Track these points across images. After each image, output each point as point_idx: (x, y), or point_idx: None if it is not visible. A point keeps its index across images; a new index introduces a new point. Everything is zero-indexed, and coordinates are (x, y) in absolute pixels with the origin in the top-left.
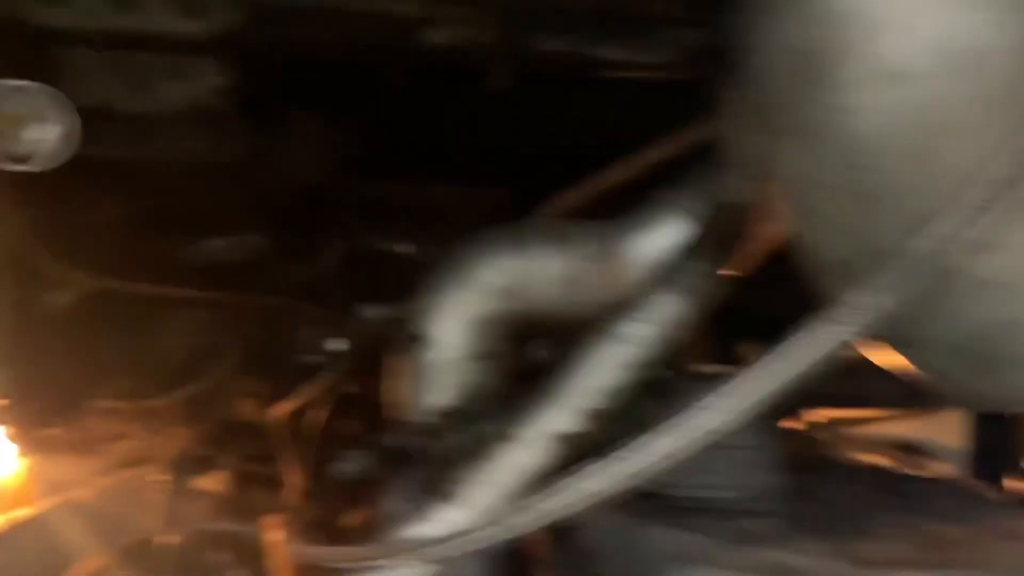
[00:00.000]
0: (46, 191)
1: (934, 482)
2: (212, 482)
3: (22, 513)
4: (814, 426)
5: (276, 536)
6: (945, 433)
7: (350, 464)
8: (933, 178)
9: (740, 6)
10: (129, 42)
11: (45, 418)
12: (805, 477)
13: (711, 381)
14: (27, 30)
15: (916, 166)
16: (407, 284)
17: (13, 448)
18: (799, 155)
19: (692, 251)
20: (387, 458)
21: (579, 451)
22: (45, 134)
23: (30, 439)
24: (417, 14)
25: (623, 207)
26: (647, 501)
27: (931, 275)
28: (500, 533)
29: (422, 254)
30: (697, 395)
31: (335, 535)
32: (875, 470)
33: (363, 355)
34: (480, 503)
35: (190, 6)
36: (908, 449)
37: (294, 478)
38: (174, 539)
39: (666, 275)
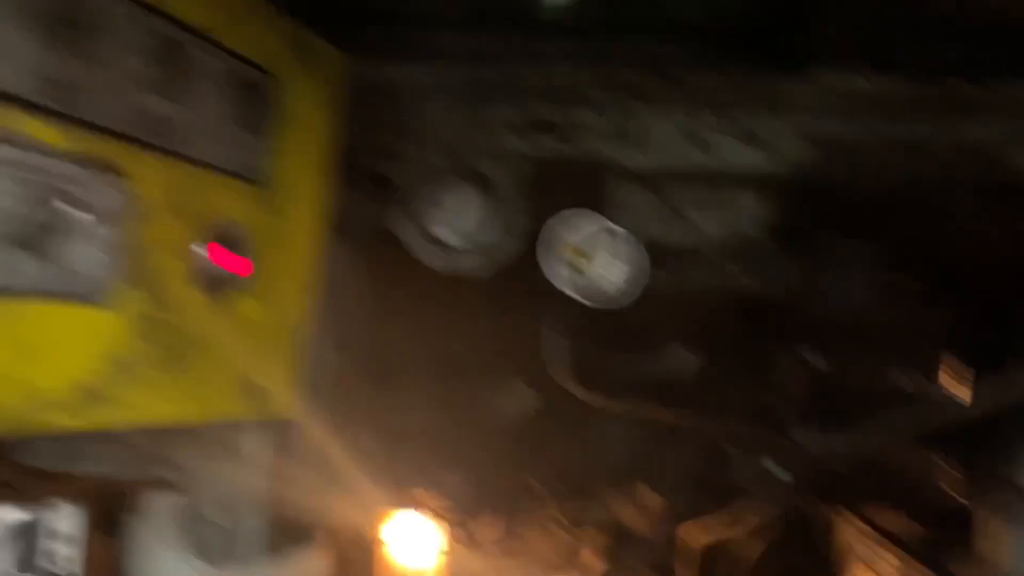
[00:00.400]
0: None
1: None
2: None
3: None
4: None
5: None
6: None
7: None
8: None
9: None
10: (683, 177)
11: (482, 517)
12: None
13: None
14: (592, 166)
15: None
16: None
17: (439, 543)
18: None
19: None
20: None
21: None
22: (615, 274)
23: (463, 537)
24: (997, 137)
25: None
26: None
27: None
28: None
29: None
30: None
31: None
32: None
33: (808, 487)
34: None
35: (761, 143)
36: None
37: None
38: None
39: None
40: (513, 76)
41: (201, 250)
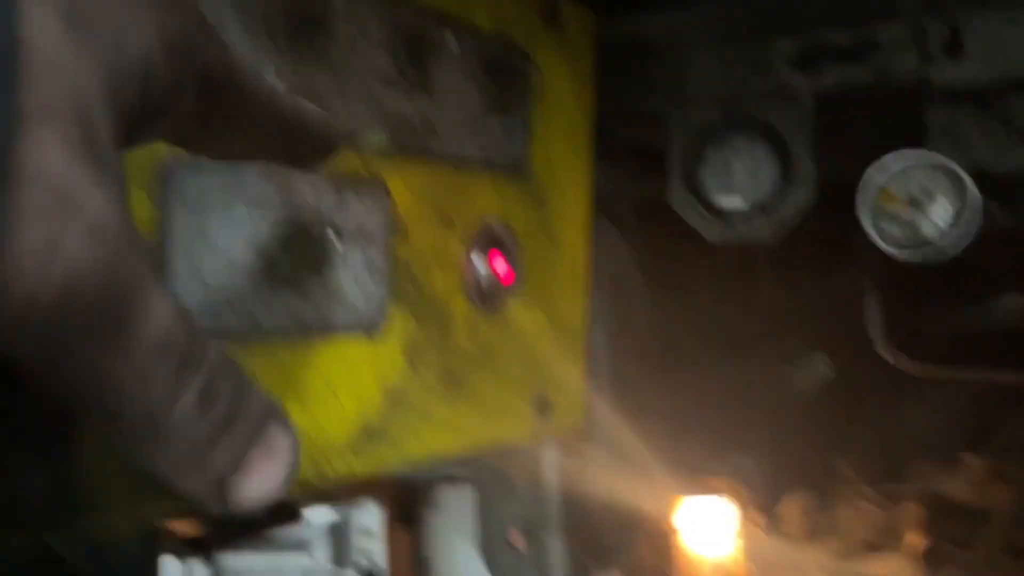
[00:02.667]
0: None
1: None
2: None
3: None
4: None
5: None
6: None
7: None
8: None
9: None
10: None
11: (784, 500)
12: None
13: None
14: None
15: None
16: None
17: (736, 528)
18: None
19: None
20: None
21: None
22: (940, 218)
23: (764, 522)
24: None
25: None
26: None
27: None
28: None
29: None
30: None
31: None
32: None
33: None
34: None
35: None
36: None
37: None
38: None
39: None
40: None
41: (476, 258)
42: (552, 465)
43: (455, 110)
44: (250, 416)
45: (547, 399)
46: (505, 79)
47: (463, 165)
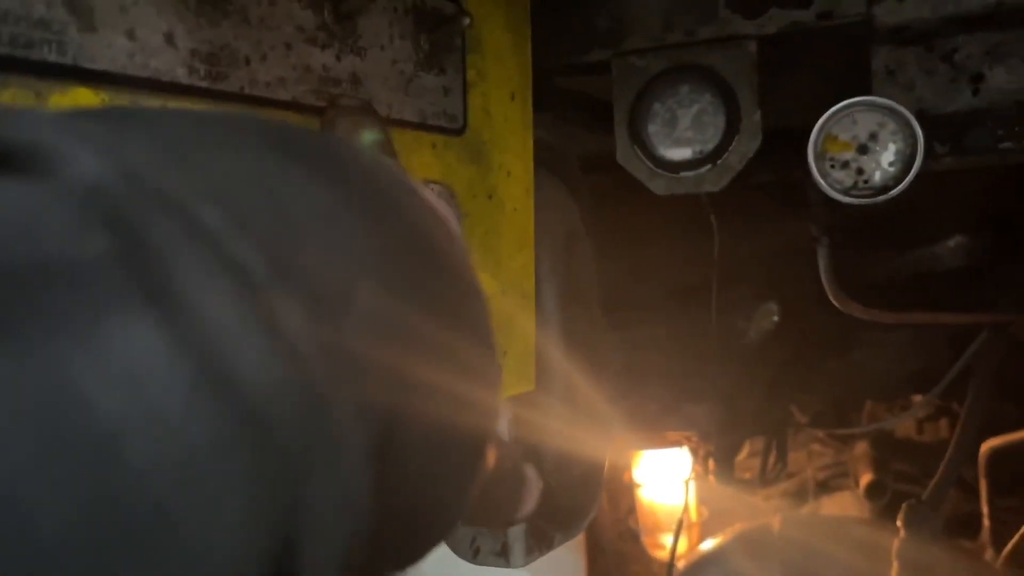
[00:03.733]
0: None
1: None
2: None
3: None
4: None
5: None
6: None
7: None
8: None
9: None
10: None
11: (738, 446)
12: None
13: None
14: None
15: None
16: None
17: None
18: None
19: None
20: None
21: None
22: (885, 160)
23: (720, 468)
24: None
25: None
26: None
27: None
28: None
29: None
30: None
31: None
32: None
33: None
34: None
35: None
36: None
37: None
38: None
39: None
40: None
41: None
42: (504, 426)
43: (386, 67)
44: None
45: (498, 367)
46: (438, 32)
47: (397, 126)
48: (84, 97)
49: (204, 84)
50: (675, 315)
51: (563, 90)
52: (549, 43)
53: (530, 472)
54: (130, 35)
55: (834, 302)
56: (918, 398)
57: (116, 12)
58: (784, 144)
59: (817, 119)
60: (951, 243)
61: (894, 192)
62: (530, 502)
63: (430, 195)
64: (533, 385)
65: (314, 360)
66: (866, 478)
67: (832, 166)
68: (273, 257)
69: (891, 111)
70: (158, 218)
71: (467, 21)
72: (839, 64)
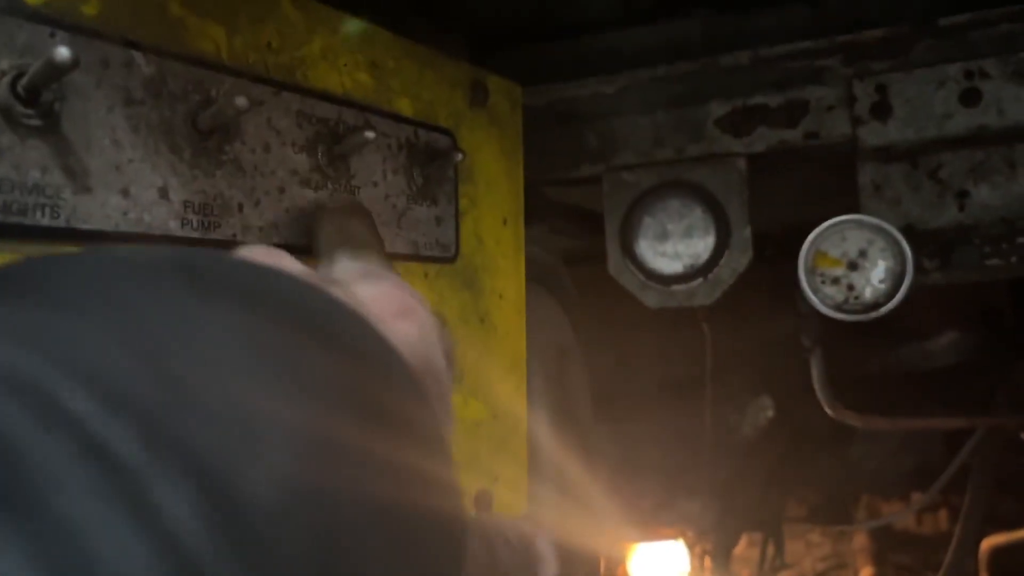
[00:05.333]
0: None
1: None
2: None
3: None
4: None
5: None
6: None
7: None
8: None
9: None
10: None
11: (730, 540)
12: None
13: None
14: (829, 152)
15: None
16: None
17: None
18: None
19: None
20: None
21: None
22: (875, 277)
23: (716, 563)
24: None
25: None
26: None
27: None
28: None
29: None
30: None
31: None
32: None
33: None
34: None
35: None
36: None
37: None
38: None
39: None
40: (712, 65)
41: None
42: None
43: (379, 202)
44: None
45: (489, 494)
46: (431, 165)
47: (391, 258)
48: None
49: (196, 234)
50: (667, 408)
51: (555, 204)
52: (539, 158)
53: (544, 546)
54: (124, 193)
55: (828, 411)
56: (917, 495)
57: (112, 172)
58: (775, 256)
59: (807, 228)
60: (943, 340)
61: (884, 310)
62: (550, 572)
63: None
64: (525, 508)
65: (200, 543)
66: (866, 572)
67: (823, 281)
68: (152, 433)
69: (879, 229)
70: (10, 407)
71: (460, 157)
72: (828, 180)
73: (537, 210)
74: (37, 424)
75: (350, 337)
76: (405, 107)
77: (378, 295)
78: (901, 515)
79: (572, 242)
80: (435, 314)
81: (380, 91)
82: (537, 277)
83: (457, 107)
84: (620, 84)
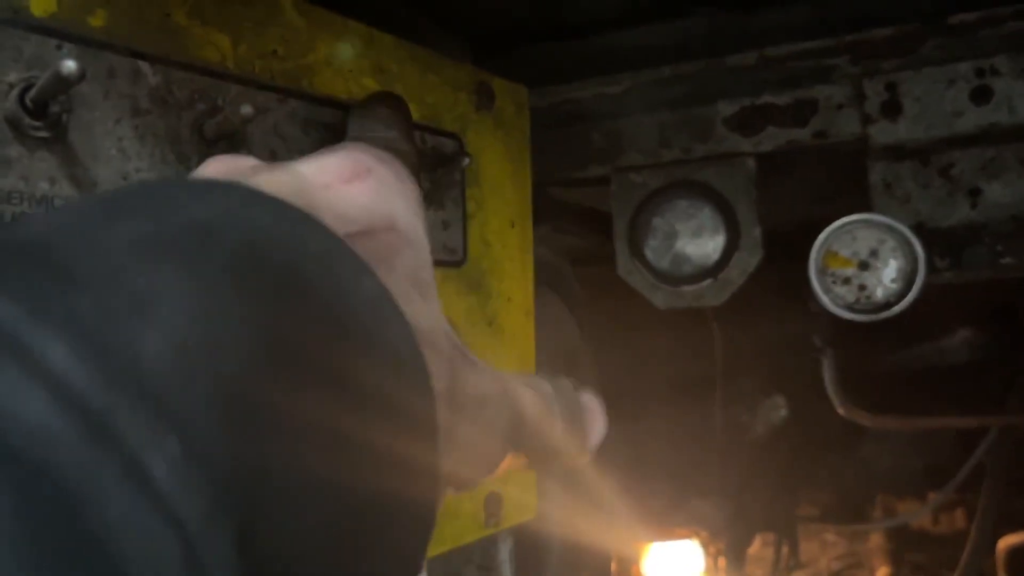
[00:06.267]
0: None
1: None
2: None
3: None
4: None
5: None
6: None
7: None
8: None
9: None
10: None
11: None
12: None
13: None
14: (840, 151)
15: None
16: None
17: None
18: None
19: None
20: None
21: None
22: (887, 276)
23: (730, 563)
24: None
25: None
26: None
27: None
28: None
29: None
30: None
31: None
32: None
33: None
34: None
35: None
36: None
37: None
38: None
39: None
40: (719, 64)
41: None
42: (506, 552)
43: None
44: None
45: (499, 497)
46: (437, 170)
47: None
48: None
49: None
50: (678, 408)
51: (563, 205)
52: (545, 159)
53: (590, 399)
54: None
55: (840, 411)
56: (933, 494)
57: (119, 182)
58: (785, 256)
59: (817, 228)
60: (956, 338)
61: (896, 309)
62: (599, 426)
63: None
64: (534, 514)
65: (88, 388)
66: (882, 571)
67: (834, 282)
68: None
69: (890, 228)
70: None
71: (467, 161)
72: (838, 179)
73: (544, 211)
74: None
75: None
76: (411, 112)
77: (326, 165)
78: (917, 514)
79: (579, 242)
80: (409, 169)
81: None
82: (542, 278)
83: (463, 111)
84: (625, 85)
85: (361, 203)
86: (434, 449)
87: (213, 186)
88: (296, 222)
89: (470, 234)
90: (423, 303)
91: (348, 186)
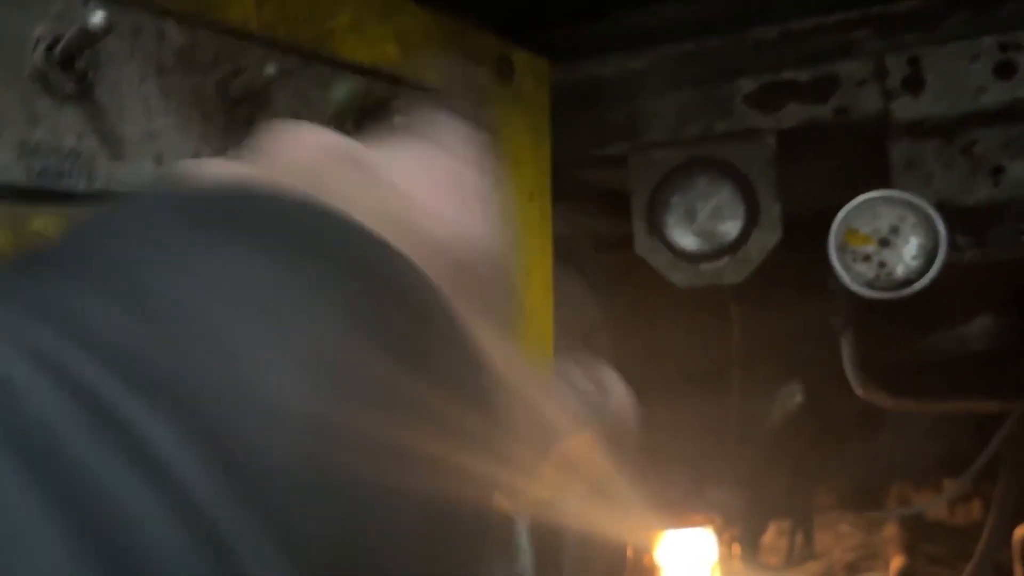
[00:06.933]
0: None
1: None
2: None
3: None
4: None
5: None
6: None
7: None
8: None
9: None
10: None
11: (759, 528)
12: None
13: None
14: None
15: None
16: None
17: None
18: None
19: None
20: None
21: None
22: (908, 254)
23: (745, 551)
24: None
25: None
26: None
27: None
28: None
29: None
30: None
31: None
32: None
33: None
34: None
35: None
36: None
37: None
38: None
39: None
40: (740, 40)
41: None
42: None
43: None
44: None
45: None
46: None
47: None
48: None
49: None
50: (695, 396)
51: (582, 181)
52: (565, 137)
53: (612, 377)
54: (158, 160)
55: (859, 392)
56: (948, 482)
57: (145, 139)
58: (805, 235)
59: (837, 207)
60: (976, 325)
61: (917, 286)
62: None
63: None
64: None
65: (207, 493)
66: (897, 561)
67: (854, 259)
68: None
69: (911, 205)
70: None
71: (489, 132)
72: (859, 156)
73: (564, 190)
74: (39, 372)
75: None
76: (434, 80)
77: (434, 185)
78: (932, 503)
79: (598, 225)
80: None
81: (407, 63)
82: (561, 254)
83: (488, 79)
84: (647, 60)
85: (468, 241)
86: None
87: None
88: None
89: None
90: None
91: (456, 217)
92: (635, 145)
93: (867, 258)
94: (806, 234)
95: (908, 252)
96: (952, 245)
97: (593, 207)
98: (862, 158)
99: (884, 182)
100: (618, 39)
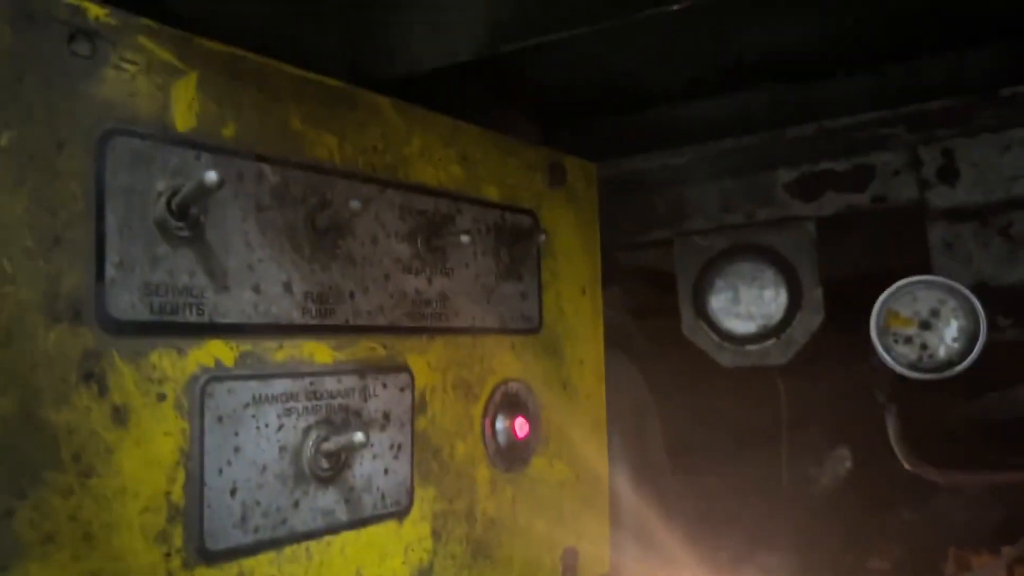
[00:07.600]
0: None
1: None
2: None
3: None
4: None
5: None
6: None
7: None
8: None
9: None
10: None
11: None
12: None
13: None
14: (898, 214)
15: None
16: None
17: None
18: None
19: None
20: None
21: None
22: (948, 335)
23: None
24: None
25: None
26: None
27: None
28: None
29: None
30: None
31: None
32: None
33: None
34: None
35: None
36: None
37: None
38: None
39: None
40: (780, 137)
41: (497, 422)
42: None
43: (471, 284)
44: None
45: (575, 550)
46: (518, 242)
47: (480, 333)
48: (217, 348)
49: (315, 321)
50: (744, 460)
51: (626, 265)
52: (613, 225)
53: None
54: (255, 289)
55: (907, 466)
56: (1008, 548)
57: (245, 271)
58: (847, 316)
59: (879, 287)
60: (1019, 393)
61: (960, 368)
62: None
63: None
64: (607, 567)
65: None
66: None
67: (895, 341)
68: None
69: (951, 289)
70: None
71: (543, 237)
72: (897, 241)
73: (611, 274)
74: None
75: None
76: (492, 193)
77: None
78: (992, 569)
79: (647, 304)
80: None
81: (469, 180)
82: (613, 340)
83: (538, 188)
84: (688, 157)
85: None
86: None
87: None
88: None
89: (545, 303)
90: None
91: None
92: (679, 231)
93: (909, 340)
94: (849, 314)
95: (949, 334)
96: (992, 325)
97: (641, 287)
98: (902, 243)
99: (924, 263)
100: (662, 134)
